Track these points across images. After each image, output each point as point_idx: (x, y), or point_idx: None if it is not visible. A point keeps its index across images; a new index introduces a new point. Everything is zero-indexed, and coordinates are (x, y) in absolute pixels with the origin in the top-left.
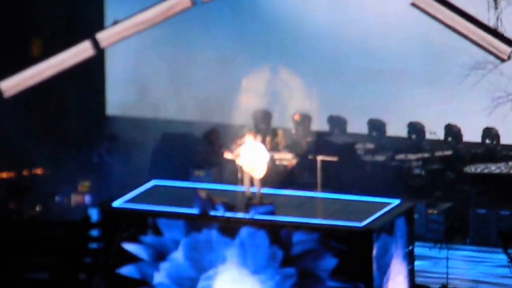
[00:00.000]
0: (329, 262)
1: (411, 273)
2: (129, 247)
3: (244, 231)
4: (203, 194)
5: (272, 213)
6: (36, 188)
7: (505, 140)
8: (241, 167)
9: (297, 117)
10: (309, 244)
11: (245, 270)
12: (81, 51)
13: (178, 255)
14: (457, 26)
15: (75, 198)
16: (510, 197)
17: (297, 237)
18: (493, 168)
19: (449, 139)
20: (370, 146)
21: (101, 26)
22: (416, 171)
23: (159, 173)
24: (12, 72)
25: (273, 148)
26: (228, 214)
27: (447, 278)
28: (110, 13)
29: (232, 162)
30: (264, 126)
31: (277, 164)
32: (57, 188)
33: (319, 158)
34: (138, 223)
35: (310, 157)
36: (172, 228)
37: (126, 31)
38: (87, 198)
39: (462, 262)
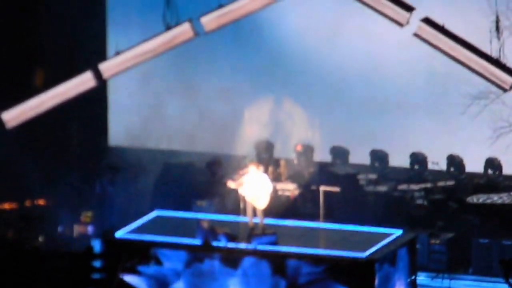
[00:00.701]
0: None
1: None
2: (131, 279)
3: (246, 262)
4: (205, 225)
5: (274, 243)
6: (39, 219)
7: (507, 170)
8: (243, 197)
9: (299, 148)
10: (312, 275)
11: None
12: (83, 81)
13: (180, 286)
14: (460, 56)
15: (77, 229)
16: None
17: (299, 267)
18: (496, 198)
19: (452, 169)
20: (373, 176)
21: (103, 57)
22: (418, 201)
23: (161, 203)
24: (15, 103)
25: (276, 178)
26: (231, 245)
27: None
28: (112, 43)
29: (235, 192)
30: (266, 156)
31: (279, 195)
32: (60, 219)
33: (322, 188)
34: (140, 254)
35: (312, 187)
36: (175, 259)
37: (129, 61)
38: (90, 229)
39: None
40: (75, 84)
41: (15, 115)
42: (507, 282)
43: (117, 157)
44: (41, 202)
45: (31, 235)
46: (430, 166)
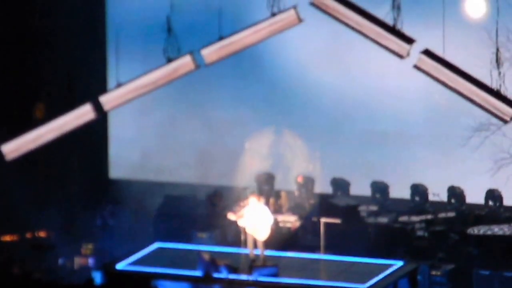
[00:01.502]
0: None
1: None
2: None
3: None
4: (206, 257)
5: (275, 275)
6: (39, 251)
7: (508, 201)
8: (244, 229)
9: (300, 179)
10: None
11: None
12: (83, 114)
13: None
14: (460, 88)
15: (78, 261)
16: None
17: None
18: (496, 229)
19: (452, 200)
20: (373, 208)
21: (103, 89)
22: (419, 233)
23: (162, 235)
24: (14, 135)
25: (276, 210)
26: (232, 276)
27: None
28: (112, 75)
29: (236, 224)
30: (267, 188)
31: (280, 226)
32: (61, 251)
33: (322, 220)
34: (141, 286)
35: (313, 219)
36: None
37: (130, 93)
38: (91, 261)
39: None
40: (75, 117)
41: (14, 147)
42: None
43: (117, 189)
44: (41, 234)
45: (35, 267)
46: (431, 197)
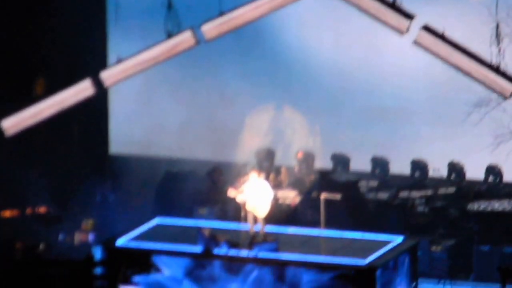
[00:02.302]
0: None
1: None
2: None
3: (247, 269)
4: (206, 232)
5: (275, 250)
6: (40, 227)
7: (508, 177)
8: (244, 205)
9: (300, 155)
10: (313, 282)
11: None
12: (83, 89)
13: None
14: (460, 64)
15: (78, 237)
16: None
17: (300, 274)
18: (497, 205)
19: (453, 176)
20: (374, 183)
21: (104, 65)
22: (419, 209)
23: (162, 211)
24: (14, 111)
25: (277, 186)
26: (232, 252)
27: None
28: (113, 51)
29: (236, 200)
30: (267, 164)
31: (280, 202)
32: (61, 227)
33: (322, 196)
34: (141, 261)
35: (313, 195)
36: (175, 266)
37: (130, 69)
38: (91, 237)
39: None
40: (75, 92)
41: (14, 123)
42: None
43: (118, 165)
44: (42, 209)
45: (35, 243)
46: (431, 173)
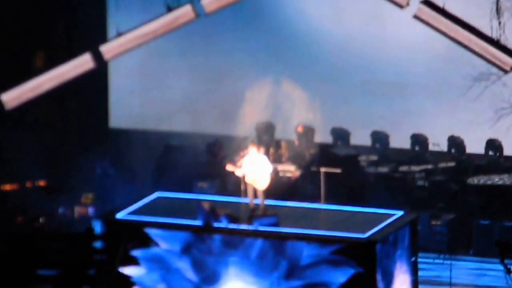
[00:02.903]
0: (333, 274)
1: (415, 284)
2: (131, 260)
3: (247, 243)
4: (206, 206)
5: (275, 224)
6: (39, 200)
7: (508, 151)
8: (244, 179)
9: (300, 129)
10: (313, 256)
11: (248, 282)
12: (83, 63)
13: (181, 267)
14: (460, 38)
15: (78, 210)
16: None
17: (300, 248)
18: (496, 179)
19: (453, 150)
20: (373, 157)
21: (104, 38)
22: (419, 183)
23: (162, 185)
24: (14, 84)
25: (276, 159)
26: (232, 226)
27: None
28: (113, 25)
29: (235, 173)
30: (267, 137)
31: (280, 176)
32: (61, 200)
33: (322, 170)
34: (141, 235)
35: (313, 169)
36: (175, 240)
37: (130, 43)
38: (91, 210)
39: (465, 273)
40: (75, 66)
41: (14, 97)
42: (502, 263)
43: (118, 139)
44: (41, 183)
45: (36, 216)
46: (431, 147)
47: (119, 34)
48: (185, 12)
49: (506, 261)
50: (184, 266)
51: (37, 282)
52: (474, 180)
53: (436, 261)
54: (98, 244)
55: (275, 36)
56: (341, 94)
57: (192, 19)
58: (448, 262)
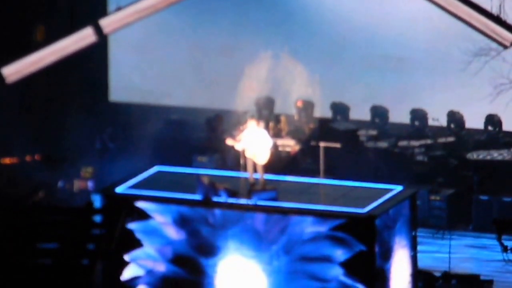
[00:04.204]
0: (332, 248)
1: (414, 259)
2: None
3: (246, 217)
4: (205, 180)
5: (274, 199)
6: (39, 174)
7: (507, 126)
8: (243, 153)
9: (299, 104)
10: (312, 231)
11: (247, 255)
12: (84, 37)
13: (180, 240)
14: (460, 13)
15: (78, 184)
16: None
17: (299, 223)
18: (496, 154)
19: (452, 125)
20: (373, 132)
21: (104, 12)
22: (418, 158)
23: (162, 159)
24: (15, 58)
25: (276, 134)
26: (231, 200)
27: (449, 264)
28: None
29: (235, 148)
30: (266, 112)
31: (279, 150)
32: (60, 174)
33: (322, 144)
34: (140, 209)
35: (312, 143)
36: (174, 214)
37: (130, 17)
38: (90, 184)
39: (464, 248)
40: (75, 40)
41: (15, 70)
42: (499, 241)
43: (117, 112)
44: (41, 156)
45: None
46: (431, 122)
47: (119, 8)
48: None
49: (504, 237)
50: (182, 240)
51: (36, 256)
52: (474, 155)
53: (435, 236)
54: (97, 218)
55: (275, 11)
56: (341, 69)
57: None
58: (447, 237)
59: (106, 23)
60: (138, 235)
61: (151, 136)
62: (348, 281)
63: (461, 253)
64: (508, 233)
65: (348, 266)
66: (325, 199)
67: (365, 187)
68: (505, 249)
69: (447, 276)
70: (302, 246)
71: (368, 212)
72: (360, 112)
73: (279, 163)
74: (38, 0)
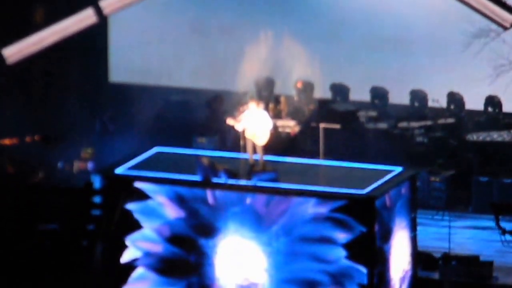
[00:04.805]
0: (331, 229)
1: (414, 240)
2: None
3: (246, 198)
4: (205, 161)
5: (274, 180)
6: (38, 155)
7: (507, 108)
8: (243, 134)
9: (299, 85)
10: (312, 212)
11: (247, 236)
12: (84, 18)
13: (179, 221)
14: None
15: (77, 165)
16: None
17: (299, 204)
18: (496, 136)
19: (452, 107)
20: (373, 113)
21: None
22: (418, 139)
23: (162, 140)
24: (15, 39)
25: (276, 115)
26: (231, 181)
27: (449, 245)
28: None
29: (235, 129)
30: (266, 93)
31: (279, 131)
32: (60, 155)
33: (322, 125)
34: (140, 190)
35: (312, 124)
36: (173, 195)
37: None
38: (90, 165)
39: (464, 229)
40: (76, 21)
41: (15, 51)
42: (497, 225)
43: (117, 93)
44: (41, 137)
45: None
46: (430, 103)
47: None
48: None
49: (502, 220)
50: (182, 221)
51: (36, 237)
52: (473, 137)
53: (435, 217)
54: (97, 199)
55: None
56: (341, 50)
57: None
58: (447, 218)
59: (106, 4)
60: (137, 216)
61: (151, 117)
62: (349, 262)
63: (461, 234)
64: (506, 215)
65: (348, 247)
66: (325, 180)
67: (365, 168)
68: (503, 232)
69: (447, 257)
70: (301, 227)
71: (368, 193)
72: (360, 93)
73: (279, 144)
74: None
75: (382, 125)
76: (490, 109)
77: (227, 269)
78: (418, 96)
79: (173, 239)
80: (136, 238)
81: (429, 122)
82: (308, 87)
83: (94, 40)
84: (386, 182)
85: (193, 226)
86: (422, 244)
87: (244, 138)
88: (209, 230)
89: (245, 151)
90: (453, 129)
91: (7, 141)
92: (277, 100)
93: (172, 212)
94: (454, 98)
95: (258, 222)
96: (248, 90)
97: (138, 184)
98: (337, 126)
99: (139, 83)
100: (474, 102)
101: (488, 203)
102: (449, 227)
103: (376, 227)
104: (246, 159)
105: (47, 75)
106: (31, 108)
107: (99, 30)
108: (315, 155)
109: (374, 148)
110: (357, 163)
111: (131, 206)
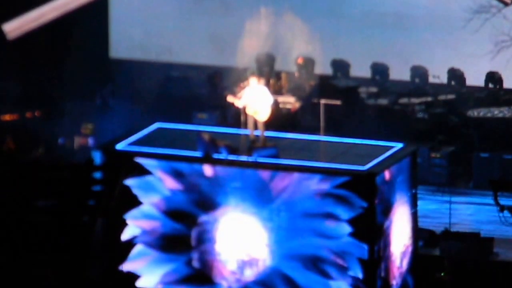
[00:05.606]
0: (332, 205)
1: (414, 217)
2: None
3: (246, 174)
4: (206, 137)
5: (275, 156)
6: (39, 130)
7: (508, 84)
8: (244, 110)
9: (300, 61)
10: (312, 188)
11: (248, 212)
12: None
13: (179, 195)
14: None
15: (78, 141)
16: None
17: (299, 180)
18: (496, 112)
19: (452, 83)
20: (373, 89)
21: None
22: (419, 115)
23: (162, 115)
24: (16, 14)
25: (277, 91)
26: (231, 157)
27: (449, 221)
28: None
29: (236, 105)
30: (267, 69)
31: (280, 107)
32: (60, 130)
33: (322, 101)
34: (140, 166)
35: (313, 100)
36: (174, 170)
37: None
38: (90, 141)
39: (464, 206)
40: None
41: (16, 27)
42: (495, 201)
43: (118, 69)
44: (41, 113)
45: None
46: (431, 79)
47: None
48: None
49: (502, 197)
50: (182, 196)
51: (36, 213)
52: (474, 113)
53: (436, 193)
54: (97, 175)
55: None
56: (341, 26)
57: None
58: (448, 194)
59: None
60: (136, 191)
61: (151, 93)
62: (350, 238)
63: (462, 210)
64: (504, 191)
65: (350, 223)
66: (326, 156)
67: (366, 144)
68: (501, 208)
69: (447, 233)
70: (302, 203)
71: (368, 169)
72: (360, 69)
73: (279, 120)
74: None
75: (383, 101)
76: (490, 85)
77: (228, 244)
78: (419, 72)
79: (173, 213)
80: (135, 215)
81: (429, 98)
82: (308, 63)
83: (94, 15)
84: (386, 158)
85: (193, 200)
86: (423, 221)
87: (245, 114)
88: (209, 205)
89: (246, 127)
90: (454, 105)
91: (7, 117)
92: (277, 76)
93: (172, 186)
94: (455, 74)
95: (259, 198)
96: (249, 66)
97: (138, 160)
98: (337, 102)
99: (139, 59)
100: (475, 78)
101: (491, 177)
102: (450, 203)
103: (377, 203)
104: (246, 135)
105: (48, 53)
106: (31, 84)
107: (100, 5)
108: (315, 131)
109: (375, 124)
110: (357, 139)
111: (130, 181)
